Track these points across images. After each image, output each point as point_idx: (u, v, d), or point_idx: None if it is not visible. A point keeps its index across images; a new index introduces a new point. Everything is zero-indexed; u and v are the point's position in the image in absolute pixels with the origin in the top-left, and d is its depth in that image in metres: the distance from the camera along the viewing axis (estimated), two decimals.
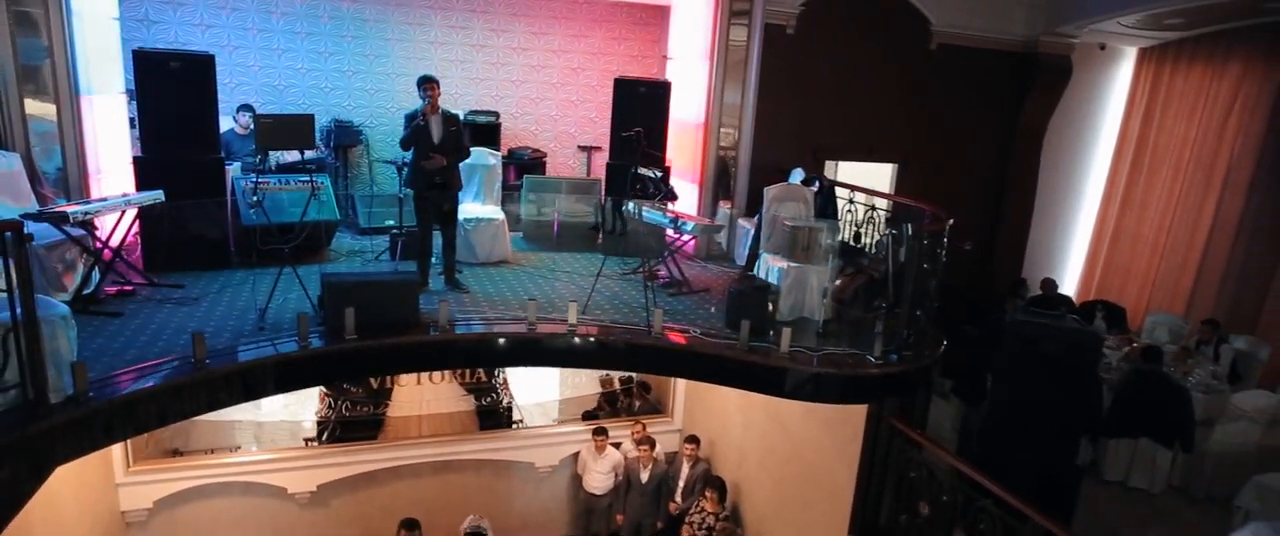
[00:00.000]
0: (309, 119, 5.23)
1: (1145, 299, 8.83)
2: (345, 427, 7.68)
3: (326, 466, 7.21)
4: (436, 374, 7.98)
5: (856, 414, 5.29)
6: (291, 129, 5.13)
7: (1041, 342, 4.50)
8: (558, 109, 8.74)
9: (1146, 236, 8.92)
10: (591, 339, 5.15)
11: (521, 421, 8.29)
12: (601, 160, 8.45)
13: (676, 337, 5.24)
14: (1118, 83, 9.32)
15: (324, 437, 7.64)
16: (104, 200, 5.22)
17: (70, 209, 4.78)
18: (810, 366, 4.98)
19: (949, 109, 8.59)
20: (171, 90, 5.71)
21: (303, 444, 7.56)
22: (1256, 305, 7.79)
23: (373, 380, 7.69)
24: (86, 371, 3.78)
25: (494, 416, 8.18)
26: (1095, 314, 8.33)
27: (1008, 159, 9.01)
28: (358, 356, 4.82)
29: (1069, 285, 9.65)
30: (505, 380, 8.35)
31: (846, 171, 8.52)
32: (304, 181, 6.03)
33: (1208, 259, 8.24)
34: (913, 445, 4.98)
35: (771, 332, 5.20)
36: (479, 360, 6.52)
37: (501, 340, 5.12)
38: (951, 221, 5.39)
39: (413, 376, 7.92)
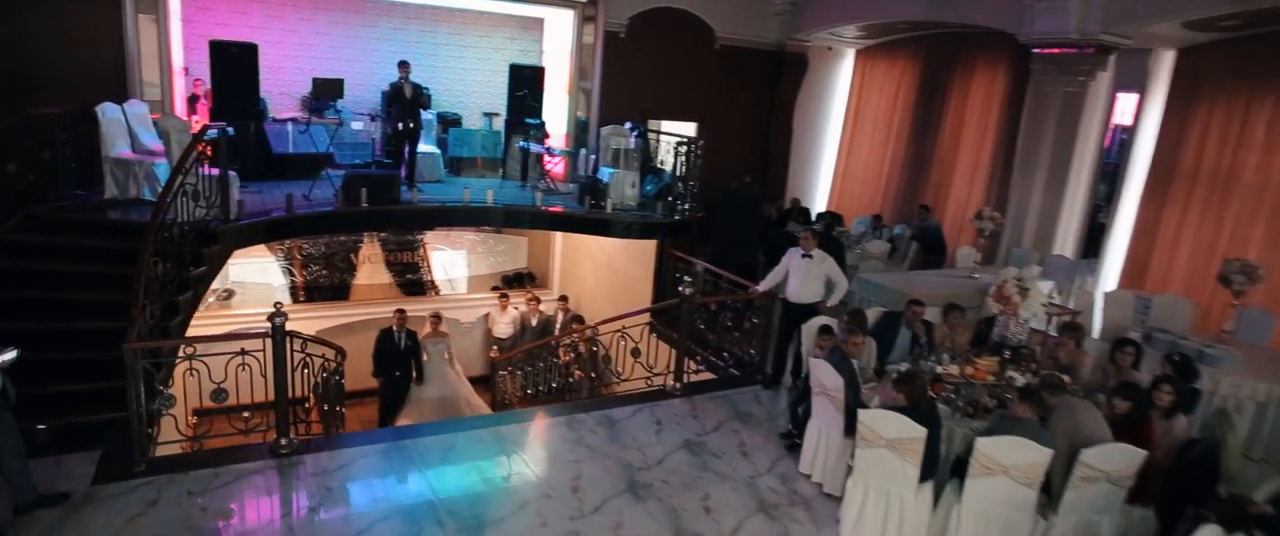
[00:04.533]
0: (341, 81, 8.76)
1: (862, 209, 13.35)
2: (322, 291, 11.22)
3: (319, 317, 10.66)
4: (380, 255, 11.72)
5: (651, 249, 9.36)
6: (331, 86, 8.64)
7: (733, 196, 8.66)
8: (469, 87, 12.36)
9: (859, 172, 13.48)
10: (500, 207, 8.99)
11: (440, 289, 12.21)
12: (498, 123, 12.14)
13: (548, 209, 9.16)
14: (844, 72, 13.83)
15: (303, 299, 11.14)
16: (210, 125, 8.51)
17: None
18: (623, 219, 9.03)
19: (730, 86, 12.79)
20: (231, 66, 9.04)
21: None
22: (909, 208, 12.41)
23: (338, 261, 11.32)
24: (243, 204, 7.28)
25: (420, 287, 11.97)
26: (823, 219, 12.75)
27: (771, 121, 13.37)
28: (367, 215, 8.46)
29: (821, 204, 14.13)
30: (428, 262, 12.13)
31: (667, 126, 12.55)
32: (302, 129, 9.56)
33: (888, 181, 12.85)
34: (680, 260, 9.06)
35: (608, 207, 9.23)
36: (434, 221, 10.07)
37: (448, 209, 8.88)
38: (703, 142, 9.54)
39: (371, 257, 11.51)
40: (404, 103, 9.12)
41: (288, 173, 9.33)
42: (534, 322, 11.24)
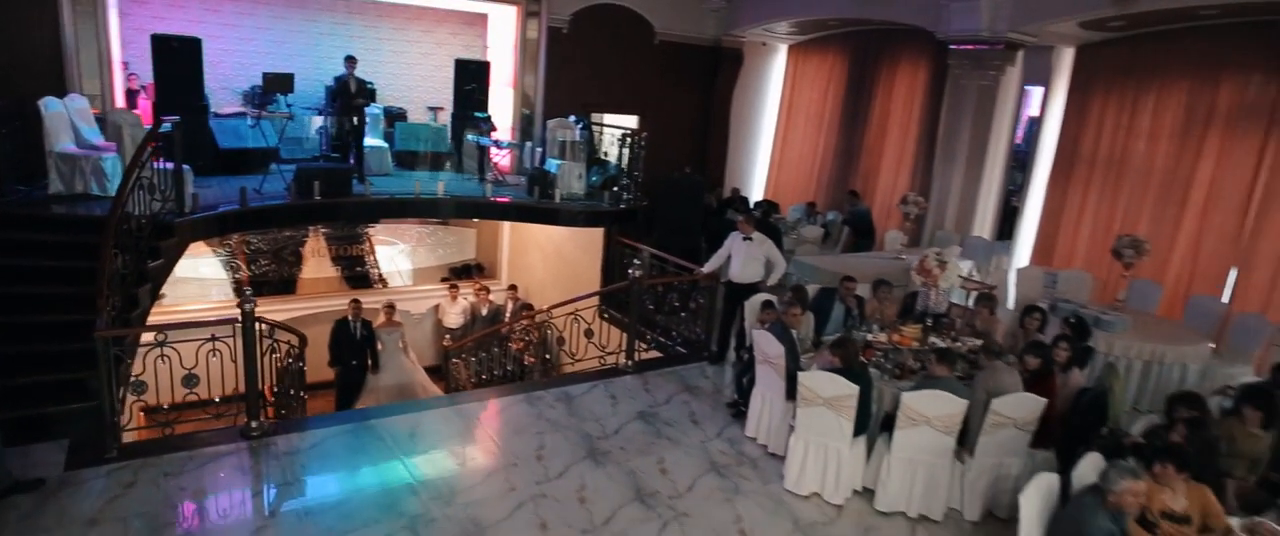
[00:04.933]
0: (291, 76, 8.82)
1: (797, 197, 13.99)
2: (269, 286, 11.23)
3: (270, 311, 10.63)
4: (326, 249, 11.80)
5: (598, 237, 9.73)
6: (281, 80, 8.69)
7: (675, 185, 9.11)
8: (413, 81, 12.48)
9: (793, 161, 14.12)
10: (452, 198, 9.21)
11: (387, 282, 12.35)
12: (443, 117, 12.29)
13: (498, 200, 9.44)
14: (777, 66, 14.43)
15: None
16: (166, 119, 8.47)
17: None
18: (571, 208, 9.38)
19: (670, 80, 13.23)
20: (174, 60, 8.99)
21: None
22: (840, 196, 13.10)
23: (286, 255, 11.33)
24: (198, 198, 7.34)
25: (366, 279, 12.07)
26: (760, 207, 13.32)
27: (709, 113, 13.87)
28: (322, 207, 8.59)
29: (758, 193, 14.71)
30: (374, 255, 12.26)
31: (609, 119, 12.92)
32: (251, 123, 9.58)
33: (820, 170, 13.52)
34: (626, 246, 9.46)
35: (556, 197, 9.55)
36: (387, 212, 10.14)
37: (401, 200, 9.06)
38: (646, 134, 9.94)
39: (317, 251, 11.56)
40: (349, 97, 9.25)
41: (235, 167, 9.34)
42: (484, 312, 11.47)
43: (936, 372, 5.13)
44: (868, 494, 5.29)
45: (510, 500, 5.00)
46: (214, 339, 5.46)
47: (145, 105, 9.82)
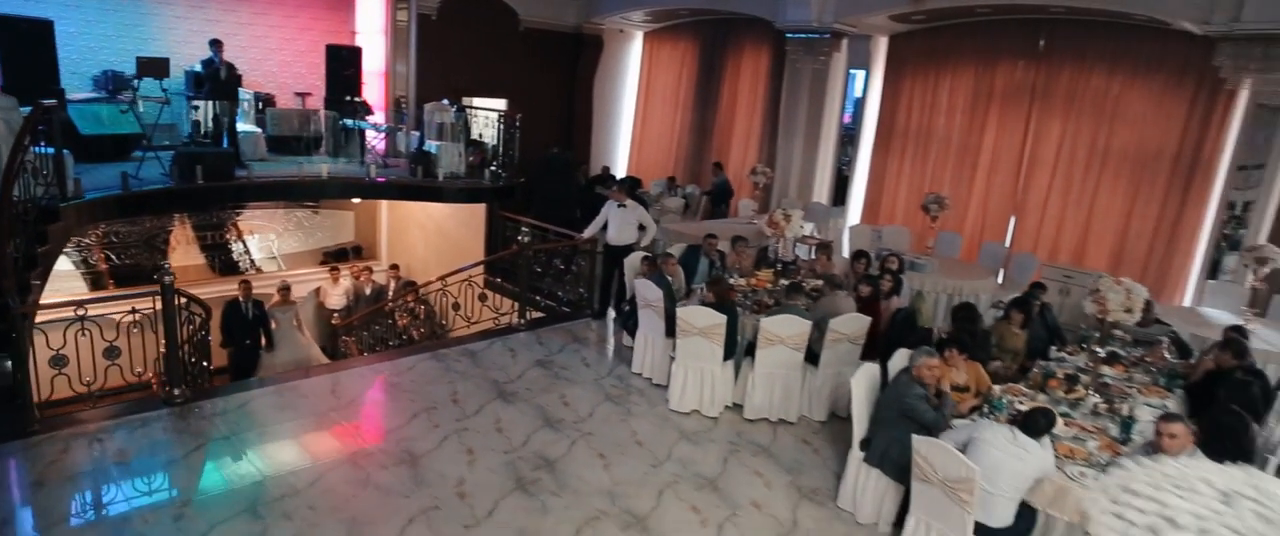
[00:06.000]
0: (166, 61, 8.73)
1: (658, 172, 15.13)
2: (132, 277, 10.98)
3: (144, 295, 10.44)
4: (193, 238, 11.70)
5: (479, 213, 10.35)
6: (156, 65, 8.60)
7: (549, 163, 9.92)
8: (278, 67, 12.41)
9: (653, 140, 15.24)
10: (336, 179, 9.53)
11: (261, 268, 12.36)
12: (312, 102, 12.33)
13: (382, 180, 9.85)
14: (635, 52, 15.47)
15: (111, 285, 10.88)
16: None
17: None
18: (454, 185, 9.95)
19: (535, 65, 13.95)
20: (21, 44, 8.67)
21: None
22: (697, 170, 14.37)
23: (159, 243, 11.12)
24: (80, 183, 7.33)
25: (236, 267, 12.05)
26: (627, 182, 14.33)
27: (573, 96, 14.71)
28: (205, 191, 8.69)
29: (621, 170, 15.73)
30: (243, 241, 12.25)
31: (479, 102, 13.45)
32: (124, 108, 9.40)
33: (678, 148, 14.72)
34: (508, 220, 10.15)
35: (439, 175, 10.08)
36: (269, 195, 10.25)
37: (287, 183, 9.27)
38: (521, 115, 10.64)
39: (185, 240, 11.40)
40: (219, 83, 9.32)
41: (98, 154, 9.12)
42: (367, 292, 11.76)
43: (786, 302, 6.30)
44: (737, 407, 6.40)
45: (436, 434, 5.69)
46: (135, 311, 5.72)
47: None
